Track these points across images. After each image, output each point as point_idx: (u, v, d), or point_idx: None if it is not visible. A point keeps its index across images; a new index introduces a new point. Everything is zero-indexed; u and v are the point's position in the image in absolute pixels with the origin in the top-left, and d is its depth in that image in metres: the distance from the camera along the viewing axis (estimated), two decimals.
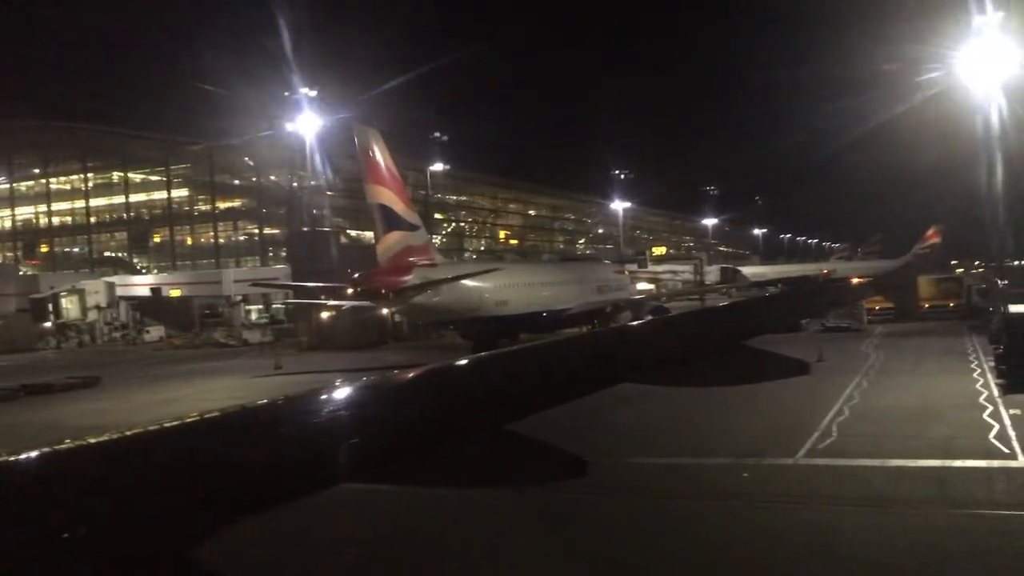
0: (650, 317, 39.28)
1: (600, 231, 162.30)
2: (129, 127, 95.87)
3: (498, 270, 41.80)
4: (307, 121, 58.57)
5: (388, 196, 36.45)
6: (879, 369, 29.92)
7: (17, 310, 67.99)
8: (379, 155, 36.66)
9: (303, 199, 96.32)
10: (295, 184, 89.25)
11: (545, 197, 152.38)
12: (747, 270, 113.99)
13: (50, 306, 65.76)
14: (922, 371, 29.20)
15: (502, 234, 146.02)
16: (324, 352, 48.65)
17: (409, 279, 35.44)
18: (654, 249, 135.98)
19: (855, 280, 48.42)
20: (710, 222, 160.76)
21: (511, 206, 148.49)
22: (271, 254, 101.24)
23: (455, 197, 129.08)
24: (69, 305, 66.94)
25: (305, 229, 68.73)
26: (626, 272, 56.02)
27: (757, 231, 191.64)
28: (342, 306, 45.56)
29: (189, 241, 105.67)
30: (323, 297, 44.80)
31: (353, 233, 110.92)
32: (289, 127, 59.49)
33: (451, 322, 40.10)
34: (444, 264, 40.86)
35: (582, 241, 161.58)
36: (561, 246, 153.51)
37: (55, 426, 25.76)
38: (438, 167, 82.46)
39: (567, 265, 57.58)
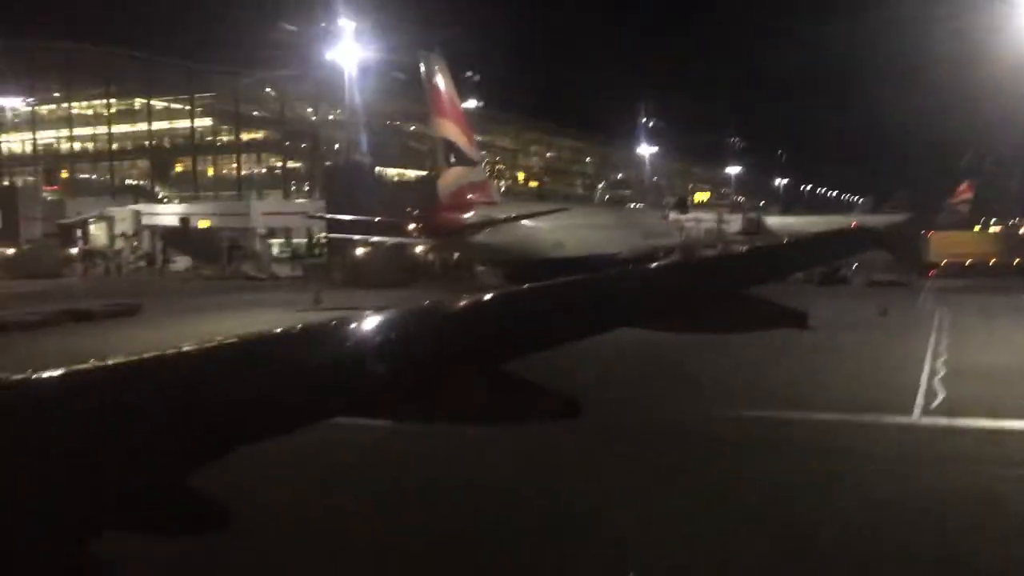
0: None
1: (619, 176, 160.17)
2: (153, 51, 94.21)
3: (560, 211, 40.66)
4: (347, 52, 56.21)
5: (452, 129, 35.23)
6: (951, 325, 28.88)
7: (44, 235, 67.34)
8: (444, 85, 35.35)
9: (329, 132, 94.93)
10: (328, 117, 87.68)
11: (568, 139, 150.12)
12: (771, 220, 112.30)
13: (79, 232, 64.99)
14: (999, 328, 28.25)
15: (520, 176, 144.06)
16: (358, 289, 47.85)
17: (470, 217, 34.45)
18: (696, 195, 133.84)
19: None
20: (733, 170, 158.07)
21: (532, 147, 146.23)
22: (294, 187, 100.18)
23: (479, 137, 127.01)
24: (97, 232, 66.22)
25: (339, 162, 67.16)
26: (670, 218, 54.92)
27: (778, 181, 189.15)
28: (385, 242, 44.83)
29: (210, 172, 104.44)
30: (373, 232, 43.75)
31: (377, 170, 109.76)
32: (329, 57, 57.15)
33: (507, 262, 39.09)
34: (503, 203, 39.87)
35: (601, 185, 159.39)
36: (580, 190, 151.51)
37: (108, 353, 25.04)
38: (471, 104, 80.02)
39: (615, 209, 56.34)
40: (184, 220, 72.54)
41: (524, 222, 36.14)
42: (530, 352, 3.00)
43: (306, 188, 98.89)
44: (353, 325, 3.02)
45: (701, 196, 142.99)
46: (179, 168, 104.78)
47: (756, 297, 4.29)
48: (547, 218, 38.00)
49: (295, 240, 76.40)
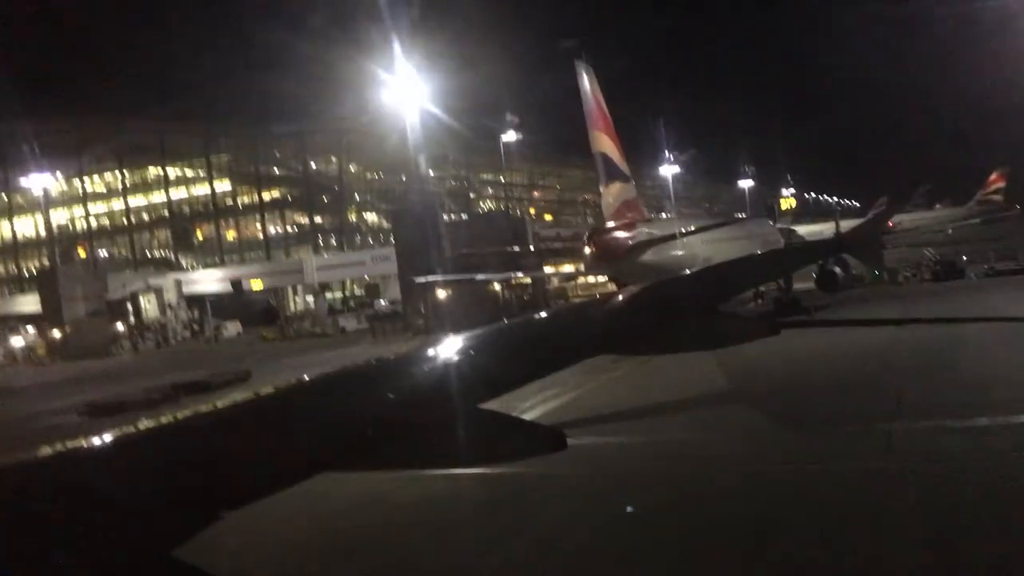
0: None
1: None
2: (165, 119, 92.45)
3: (720, 225, 38.64)
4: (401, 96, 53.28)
5: (607, 144, 33.35)
6: None
7: (88, 313, 64.70)
8: (598, 98, 33.47)
9: (352, 183, 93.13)
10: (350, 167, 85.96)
11: (576, 170, 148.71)
12: (802, 229, 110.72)
13: (129, 306, 62.38)
14: None
15: (532, 210, 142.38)
16: (443, 333, 45.41)
17: (635, 235, 32.43)
18: (783, 203, 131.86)
19: None
20: (746, 184, 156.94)
21: (543, 181, 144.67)
22: (321, 242, 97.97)
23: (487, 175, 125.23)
24: (148, 304, 63.62)
25: (409, 206, 64.83)
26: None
27: (786, 192, 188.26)
28: (472, 280, 42.87)
29: (230, 236, 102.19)
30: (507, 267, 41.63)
31: None
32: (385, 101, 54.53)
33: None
34: (654, 219, 38.03)
35: None
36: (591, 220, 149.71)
37: None
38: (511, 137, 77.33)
39: (738, 221, 54.41)
40: (236, 284, 70.02)
41: (683, 239, 34.06)
42: (511, 388, 2.94)
43: (332, 242, 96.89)
44: (329, 378, 3.10)
45: (787, 203, 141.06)
46: (200, 235, 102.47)
47: (725, 313, 4.31)
48: (700, 233, 35.97)
49: (328, 295, 74.63)
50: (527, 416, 16.38)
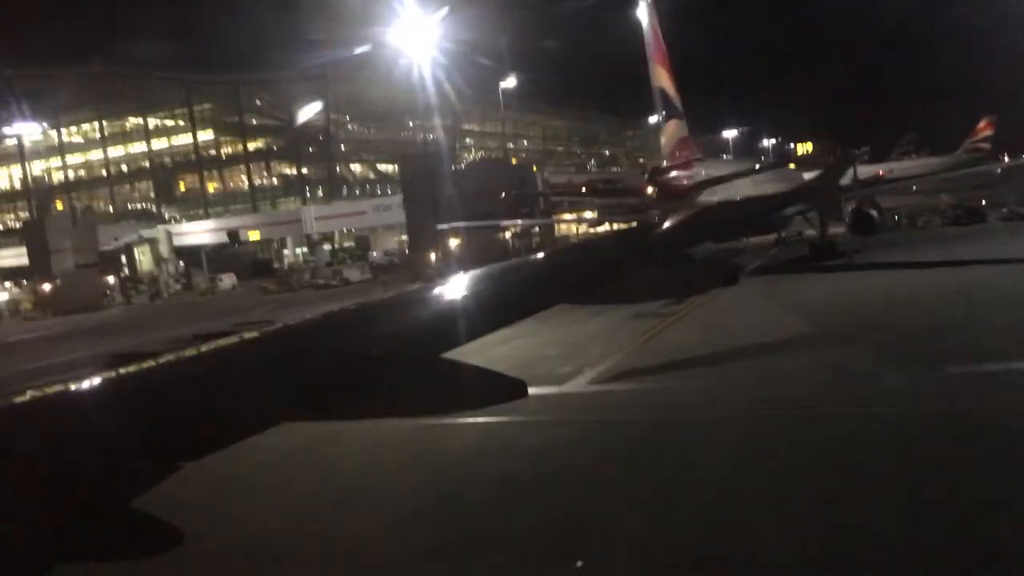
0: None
1: (607, 152, 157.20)
2: (146, 67, 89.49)
3: (775, 167, 37.73)
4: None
5: (665, 79, 32.18)
6: None
7: (77, 266, 62.75)
8: (657, 30, 32.20)
9: (338, 133, 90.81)
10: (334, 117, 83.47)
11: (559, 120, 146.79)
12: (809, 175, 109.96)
13: (123, 258, 60.50)
14: None
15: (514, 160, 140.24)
16: None
17: (692, 174, 31.42)
18: (798, 148, 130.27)
19: None
20: (730, 134, 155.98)
21: (531, 130, 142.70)
22: (308, 194, 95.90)
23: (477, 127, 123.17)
24: (142, 257, 61.76)
25: (418, 152, 63.28)
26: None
27: (767, 142, 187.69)
28: (486, 228, 42.01)
29: (211, 188, 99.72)
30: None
31: (382, 167, 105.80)
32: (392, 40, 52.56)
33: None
34: (705, 160, 37.07)
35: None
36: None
37: None
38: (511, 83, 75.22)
39: (773, 166, 53.26)
40: (233, 234, 68.11)
41: (735, 181, 33.06)
42: (473, 338, 2.90)
43: (319, 193, 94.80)
44: (287, 327, 3.01)
45: (804, 147, 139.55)
46: (182, 186, 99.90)
47: (687, 259, 4.19)
48: (752, 176, 34.97)
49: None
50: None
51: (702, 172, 32.70)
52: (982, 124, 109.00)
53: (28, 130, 77.12)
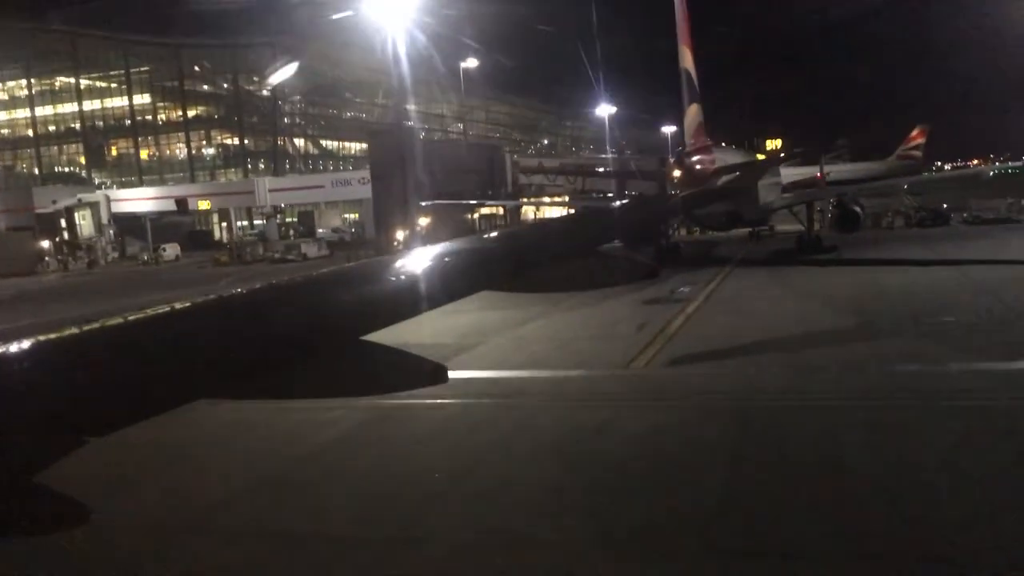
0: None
1: (545, 142, 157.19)
2: (80, 23, 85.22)
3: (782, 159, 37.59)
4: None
5: (690, 61, 31.49)
6: None
7: (7, 228, 59.21)
8: (686, 12, 31.55)
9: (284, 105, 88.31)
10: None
11: (503, 106, 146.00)
12: (788, 171, 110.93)
13: (62, 222, 57.26)
14: None
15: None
16: None
17: (714, 158, 31.02)
18: (768, 143, 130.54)
19: None
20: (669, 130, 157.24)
21: (474, 113, 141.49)
22: (249, 166, 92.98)
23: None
24: (83, 222, 58.58)
25: (387, 127, 61.48)
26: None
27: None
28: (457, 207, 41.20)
29: (144, 155, 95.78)
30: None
31: (324, 143, 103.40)
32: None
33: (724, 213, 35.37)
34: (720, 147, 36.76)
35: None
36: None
37: None
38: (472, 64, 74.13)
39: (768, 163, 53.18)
40: (181, 203, 65.11)
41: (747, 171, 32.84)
42: (393, 322, 2.87)
43: (261, 166, 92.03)
44: (209, 304, 2.90)
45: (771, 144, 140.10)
46: (115, 151, 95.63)
47: (611, 254, 4.30)
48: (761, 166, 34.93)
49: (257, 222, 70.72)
50: None
51: (720, 158, 32.48)
52: (915, 132, 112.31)
53: None
